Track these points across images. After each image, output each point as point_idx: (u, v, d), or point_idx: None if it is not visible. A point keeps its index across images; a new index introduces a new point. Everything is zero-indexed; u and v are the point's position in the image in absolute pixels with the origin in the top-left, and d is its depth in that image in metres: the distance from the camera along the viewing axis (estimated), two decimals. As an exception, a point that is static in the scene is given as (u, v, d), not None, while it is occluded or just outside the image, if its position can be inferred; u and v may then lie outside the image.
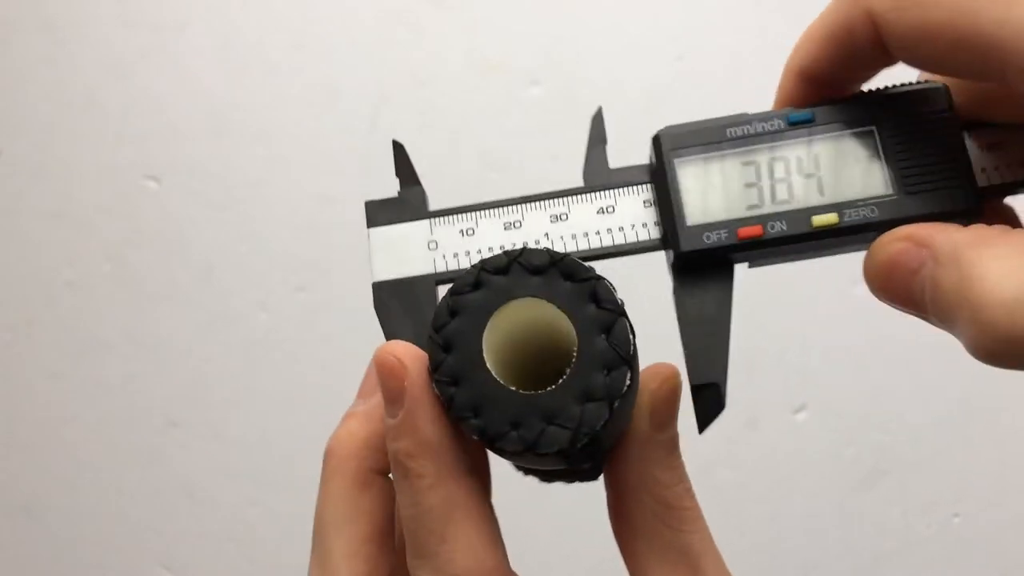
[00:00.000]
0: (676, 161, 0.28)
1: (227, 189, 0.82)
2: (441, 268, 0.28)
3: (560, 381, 0.23)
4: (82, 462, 0.82)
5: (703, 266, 0.28)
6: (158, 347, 0.82)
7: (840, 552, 0.79)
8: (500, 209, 0.29)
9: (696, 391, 0.28)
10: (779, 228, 0.27)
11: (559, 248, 0.28)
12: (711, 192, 0.27)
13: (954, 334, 0.23)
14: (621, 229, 0.28)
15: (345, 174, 0.80)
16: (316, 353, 0.80)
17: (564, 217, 0.28)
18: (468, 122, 0.79)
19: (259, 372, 0.81)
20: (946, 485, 0.79)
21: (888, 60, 0.26)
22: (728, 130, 0.27)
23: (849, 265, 0.87)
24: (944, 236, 0.23)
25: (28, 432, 0.83)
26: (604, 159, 0.29)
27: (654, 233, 0.28)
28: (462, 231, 0.28)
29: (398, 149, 0.30)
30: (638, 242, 0.28)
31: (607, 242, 0.28)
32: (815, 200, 0.27)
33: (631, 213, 0.28)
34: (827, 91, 0.28)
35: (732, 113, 0.28)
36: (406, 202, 0.29)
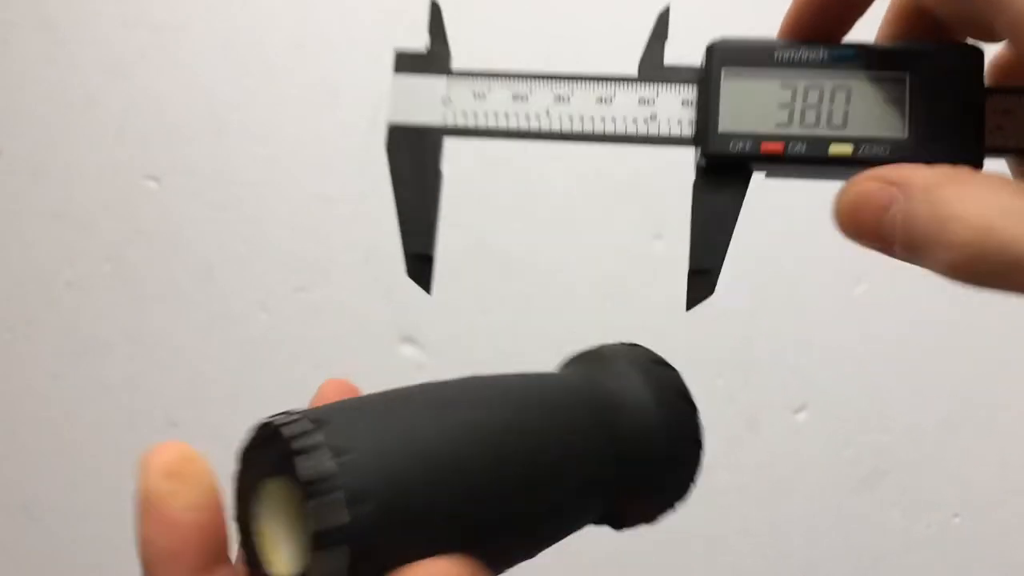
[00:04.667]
0: (723, 70, 0.30)
1: (227, 189, 0.82)
2: (450, 122, 0.31)
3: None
4: (82, 462, 0.82)
5: (725, 169, 0.30)
6: (158, 347, 0.82)
7: (840, 552, 0.79)
8: (510, 80, 0.32)
9: (692, 274, 0.31)
10: (798, 149, 0.29)
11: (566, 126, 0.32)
12: (747, 105, 0.30)
13: (922, 263, 0.26)
14: (655, 118, 0.31)
15: (345, 174, 0.80)
16: (316, 353, 0.80)
17: (567, 99, 0.32)
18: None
19: (259, 372, 0.81)
20: (946, 485, 0.79)
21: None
22: (776, 53, 0.30)
23: (849, 265, 0.87)
24: (916, 174, 0.26)
25: (28, 432, 0.83)
26: (660, 55, 0.32)
27: (687, 131, 0.31)
28: (474, 93, 0.31)
29: (435, 10, 0.33)
30: (670, 135, 0.31)
31: (643, 130, 0.31)
32: (836, 131, 0.29)
33: (670, 107, 0.31)
34: (820, 26, 0.30)
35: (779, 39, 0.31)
36: (432, 57, 0.32)
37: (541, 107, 0.31)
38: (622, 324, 0.78)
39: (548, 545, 0.28)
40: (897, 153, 0.29)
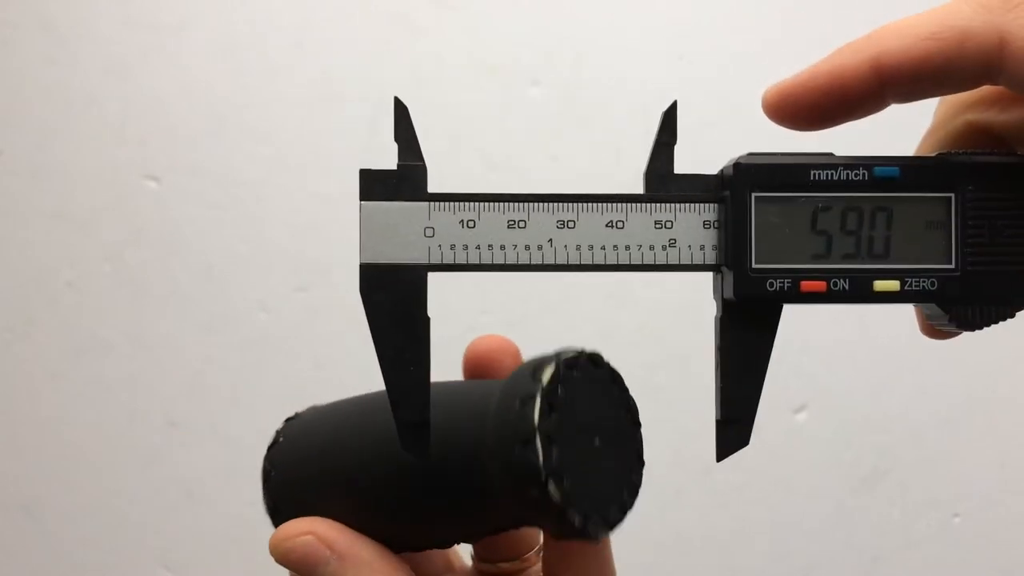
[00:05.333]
0: (755, 196, 0.27)
1: (227, 189, 0.82)
2: (436, 259, 0.27)
3: None
4: (82, 462, 0.82)
5: (757, 307, 0.27)
6: (158, 347, 0.82)
7: (840, 552, 0.79)
8: (504, 204, 0.27)
9: (722, 424, 0.28)
10: (841, 287, 0.27)
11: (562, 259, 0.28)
12: (781, 234, 0.27)
13: None
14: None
15: (345, 174, 0.80)
16: (316, 353, 0.80)
17: (572, 224, 0.27)
18: (468, 122, 0.79)
19: (259, 372, 0.81)
20: (946, 485, 0.79)
21: (936, 91, 0.26)
22: (812, 172, 0.27)
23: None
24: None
25: (28, 432, 0.83)
26: (671, 161, 0.28)
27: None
28: (462, 221, 0.27)
29: (399, 109, 0.29)
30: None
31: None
32: (880, 262, 0.27)
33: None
34: (846, 101, 0.26)
35: (815, 151, 0.27)
36: (405, 178, 0.27)
37: (542, 235, 0.27)
38: (623, 324, 0.78)
39: (429, 534, 0.30)
40: (945, 289, 0.26)
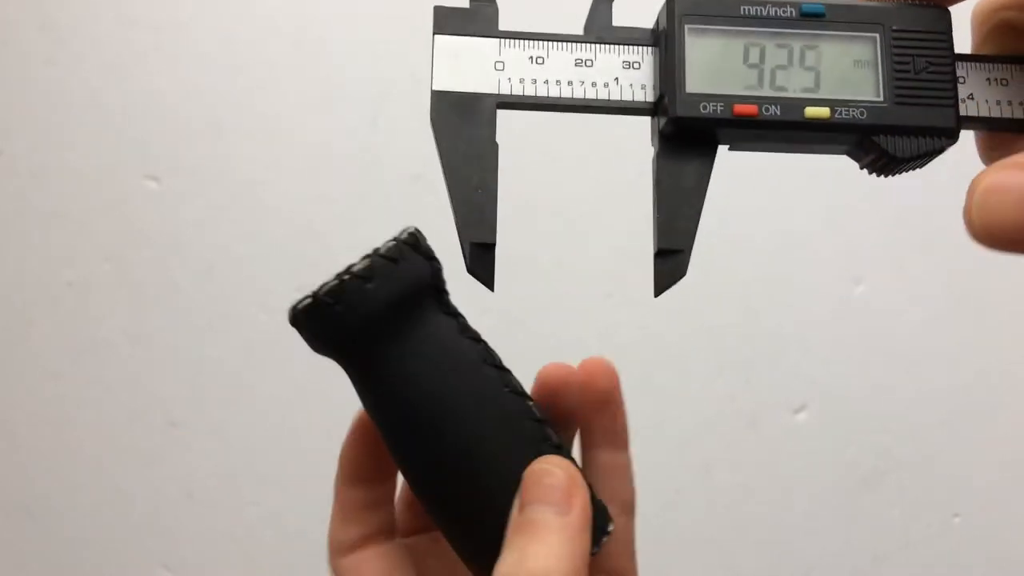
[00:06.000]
0: (687, 27, 0.28)
1: (227, 189, 0.82)
2: (506, 90, 0.28)
3: None
4: (82, 462, 0.82)
5: (690, 138, 0.28)
6: (158, 347, 0.82)
7: (840, 552, 0.79)
8: (572, 44, 0.29)
9: (660, 255, 0.28)
10: (773, 112, 0.27)
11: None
12: (714, 64, 0.27)
13: None
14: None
15: (345, 174, 0.80)
16: (316, 353, 0.80)
17: (637, 66, 0.28)
18: (468, 122, 0.79)
19: (259, 372, 0.81)
20: (946, 485, 0.79)
21: None
22: (743, 7, 0.28)
23: (849, 265, 0.87)
24: None
25: (28, 432, 0.83)
26: (609, 15, 0.29)
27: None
28: (531, 57, 0.28)
29: None
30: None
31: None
32: (809, 93, 0.27)
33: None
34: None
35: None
36: (478, 15, 0.29)
37: (608, 73, 0.28)
38: (622, 324, 0.78)
39: None
40: (875, 118, 0.27)
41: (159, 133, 0.83)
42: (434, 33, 0.28)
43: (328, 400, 0.82)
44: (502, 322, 0.79)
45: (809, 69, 0.28)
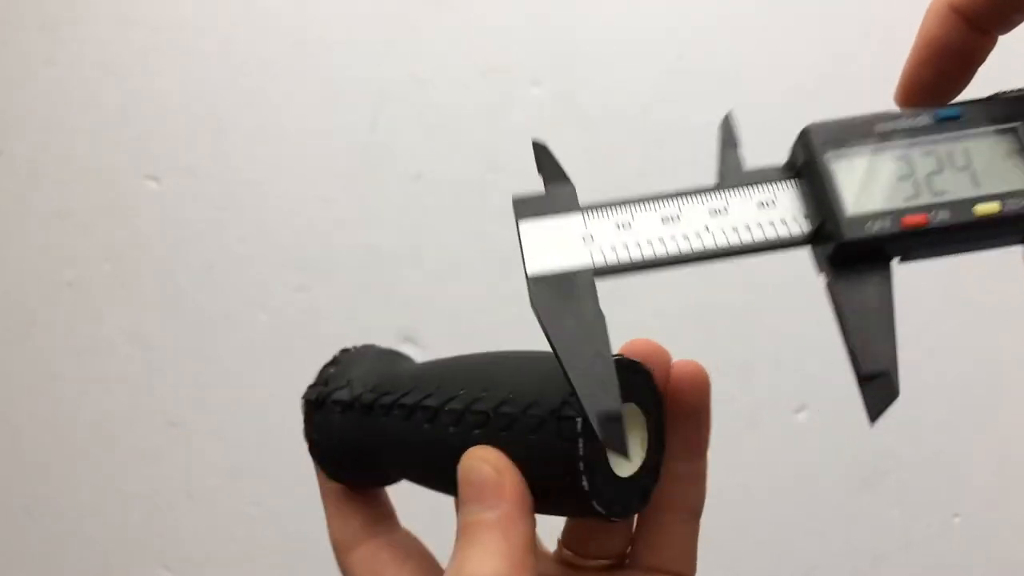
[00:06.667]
0: (829, 155, 0.27)
1: (227, 189, 0.82)
2: (600, 261, 0.27)
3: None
4: (82, 462, 0.82)
5: (860, 259, 0.27)
6: (158, 347, 0.82)
7: (840, 552, 0.79)
8: (656, 202, 0.28)
9: (866, 380, 0.28)
10: (942, 217, 0.27)
11: (721, 241, 0.28)
12: (867, 185, 0.27)
13: None
14: (772, 224, 0.28)
15: (345, 174, 0.80)
16: (316, 353, 0.80)
17: (723, 211, 0.28)
18: (468, 122, 0.79)
19: (259, 372, 0.81)
20: (946, 485, 0.79)
21: (983, 42, 0.27)
22: (876, 126, 0.28)
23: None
24: None
25: (28, 432, 0.83)
26: (738, 160, 0.29)
27: (804, 227, 0.28)
28: (618, 224, 0.28)
29: (541, 151, 0.30)
30: (790, 236, 0.28)
31: (767, 235, 0.28)
32: (972, 191, 0.27)
33: (788, 206, 0.28)
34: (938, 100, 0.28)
35: (874, 111, 0.28)
36: (555, 197, 0.29)
37: (698, 224, 0.28)
38: (622, 323, 0.78)
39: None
40: None
41: (159, 133, 0.83)
42: (517, 220, 0.28)
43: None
44: (501, 323, 0.79)
45: (963, 169, 0.27)
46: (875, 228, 0.26)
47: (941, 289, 0.77)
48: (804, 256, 0.29)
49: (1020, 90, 0.28)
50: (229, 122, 0.82)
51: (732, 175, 0.28)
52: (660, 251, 0.28)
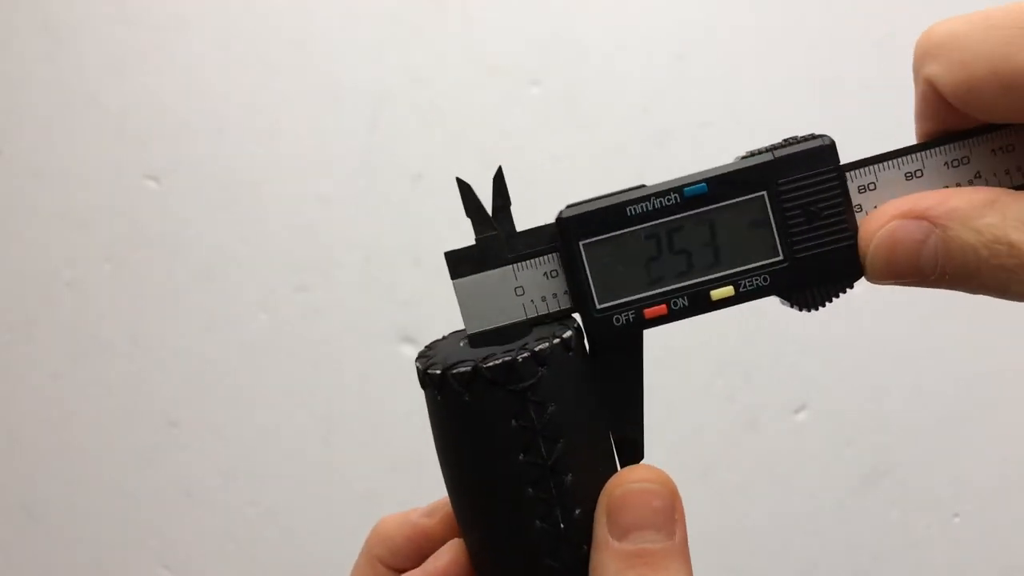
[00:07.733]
0: (582, 244, 0.29)
1: (227, 189, 0.82)
2: (532, 313, 0.29)
3: None
4: (82, 462, 0.82)
5: (613, 346, 0.29)
6: (158, 347, 0.82)
7: (840, 552, 0.79)
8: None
9: (619, 443, 0.30)
10: (681, 304, 0.29)
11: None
12: (616, 271, 0.29)
13: (971, 290, 0.25)
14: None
15: (345, 174, 0.80)
16: (316, 353, 0.80)
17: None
18: (468, 122, 0.79)
19: (259, 372, 0.81)
20: (945, 485, 0.79)
21: (963, 115, 0.27)
22: (628, 208, 0.29)
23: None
24: (948, 202, 0.25)
25: (28, 432, 0.83)
26: (510, 221, 0.31)
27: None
28: (546, 274, 0.30)
29: (464, 188, 0.31)
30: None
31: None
32: (713, 271, 0.29)
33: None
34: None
35: (632, 185, 0.29)
36: (485, 248, 0.30)
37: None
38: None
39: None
40: (777, 281, 0.28)
41: (159, 133, 0.83)
42: (452, 279, 0.30)
43: (328, 401, 0.82)
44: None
45: (707, 245, 0.28)
46: (620, 322, 0.29)
47: (940, 290, 0.77)
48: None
49: (763, 151, 0.28)
50: (229, 122, 0.82)
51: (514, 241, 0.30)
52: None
